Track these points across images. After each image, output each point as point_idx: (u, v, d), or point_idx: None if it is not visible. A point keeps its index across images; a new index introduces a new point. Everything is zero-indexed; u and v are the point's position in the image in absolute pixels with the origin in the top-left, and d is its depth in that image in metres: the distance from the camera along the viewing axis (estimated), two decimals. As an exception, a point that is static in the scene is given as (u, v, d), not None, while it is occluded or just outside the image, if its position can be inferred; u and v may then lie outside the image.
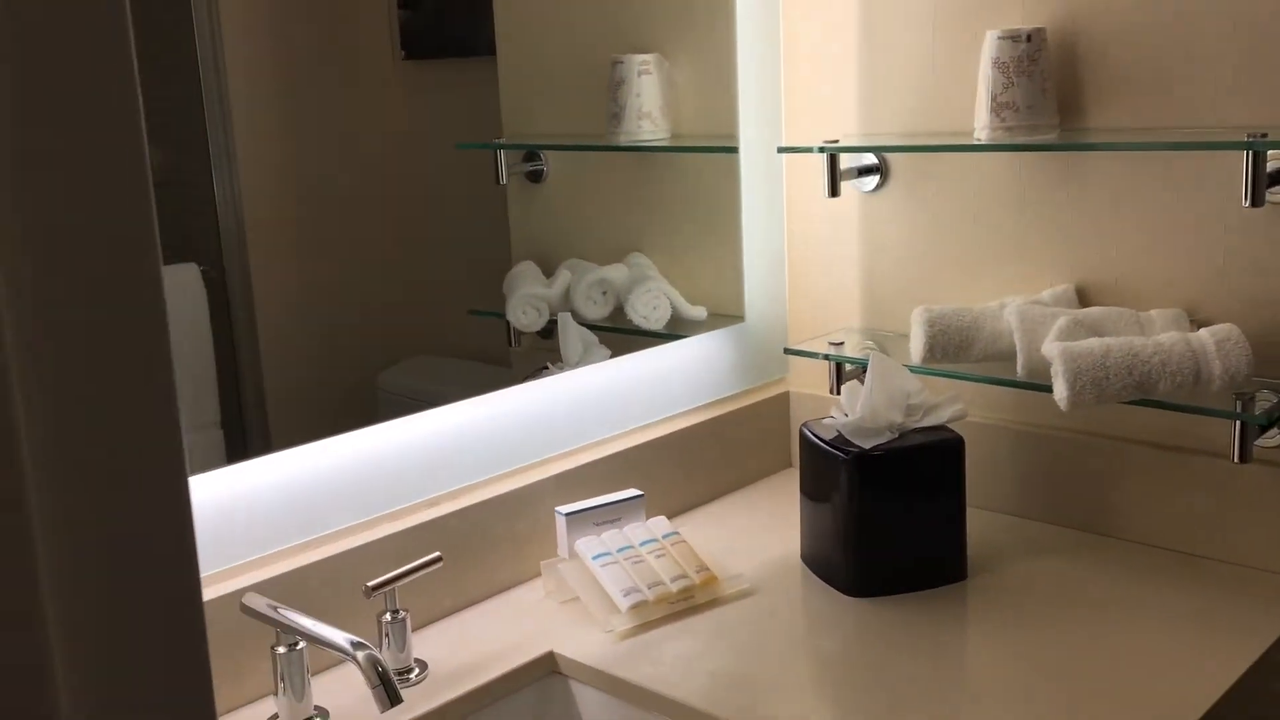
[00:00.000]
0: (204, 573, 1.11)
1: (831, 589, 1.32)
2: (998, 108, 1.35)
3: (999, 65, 1.35)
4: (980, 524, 1.46)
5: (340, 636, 1.00)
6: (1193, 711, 1.03)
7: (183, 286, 1.27)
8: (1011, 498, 1.49)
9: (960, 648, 1.19)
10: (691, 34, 1.60)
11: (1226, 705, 1.06)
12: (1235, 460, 1.22)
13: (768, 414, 1.67)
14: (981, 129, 1.38)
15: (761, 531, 1.49)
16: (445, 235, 1.48)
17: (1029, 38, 1.33)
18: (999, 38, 1.35)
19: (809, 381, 1.69)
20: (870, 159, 1.57)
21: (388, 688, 0.98)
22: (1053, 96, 1.36)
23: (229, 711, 1.11)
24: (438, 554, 1.21)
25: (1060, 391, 1.24)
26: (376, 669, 0.98)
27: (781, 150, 1.60)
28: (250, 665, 1.12)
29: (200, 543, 1.08)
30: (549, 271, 1.56)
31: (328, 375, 1.36)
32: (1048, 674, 1.11)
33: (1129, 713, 1.03)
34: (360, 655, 0.98)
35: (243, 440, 1.26)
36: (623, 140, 1.62)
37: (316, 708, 1.10)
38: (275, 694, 1.08)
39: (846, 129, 1.59)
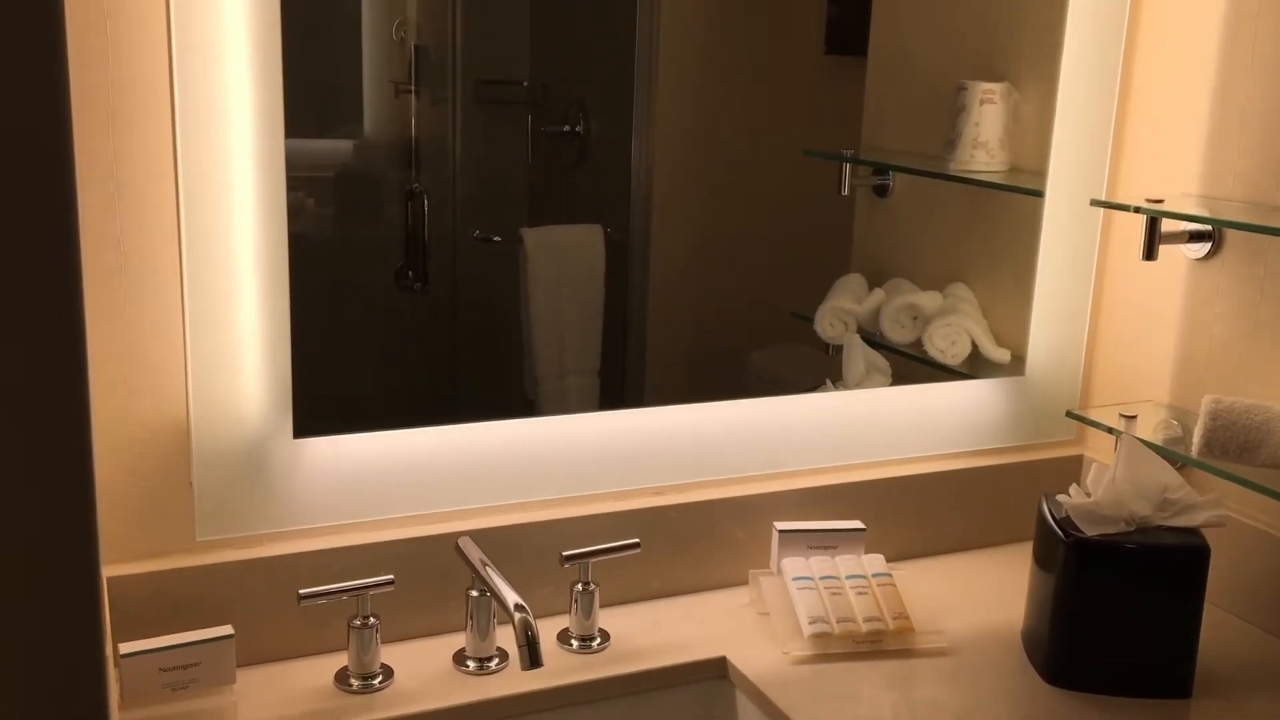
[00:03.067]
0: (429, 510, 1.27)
1: (1034, 673, 1.26)
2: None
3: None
4: (1224, 634, 1.32)
5: (510, 597, 1.12)
6: None
7: (588, 245, 1.45)
8: (1267, 611, 1.32)
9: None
10: (1047, 64, 1.53)
11: None
12: None
13: (1036, 476, 1.58)
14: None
15: (989, 596, 1.43)
16: (807, 234, 1.58)
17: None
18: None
19: (1100, 450, 1.58)
20: (1204, 225, 1.43)
21: (531, 650, 1.08)
22: None
23: (428, 636, 1.27)
24: (636, 540, 1.29)
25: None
26: (527, 631, 1.09)
27: (1095, 204, 1.50)
28: (451, 601, 1.27)
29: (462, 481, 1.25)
30: (877, 286, 1.59)
31: (702, 347, 1.51)
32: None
33: None
34: (516, 616, 1.09)
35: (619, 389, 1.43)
36: (951, 168, 1.60)
37: (498, 649, 1.23)
38: (465, 629, 1.23)
39: (1185, 187, 1.46)
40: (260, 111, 1.11)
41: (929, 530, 1.53)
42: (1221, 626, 1.35)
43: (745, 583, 1.41)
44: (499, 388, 1.41)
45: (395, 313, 1.36)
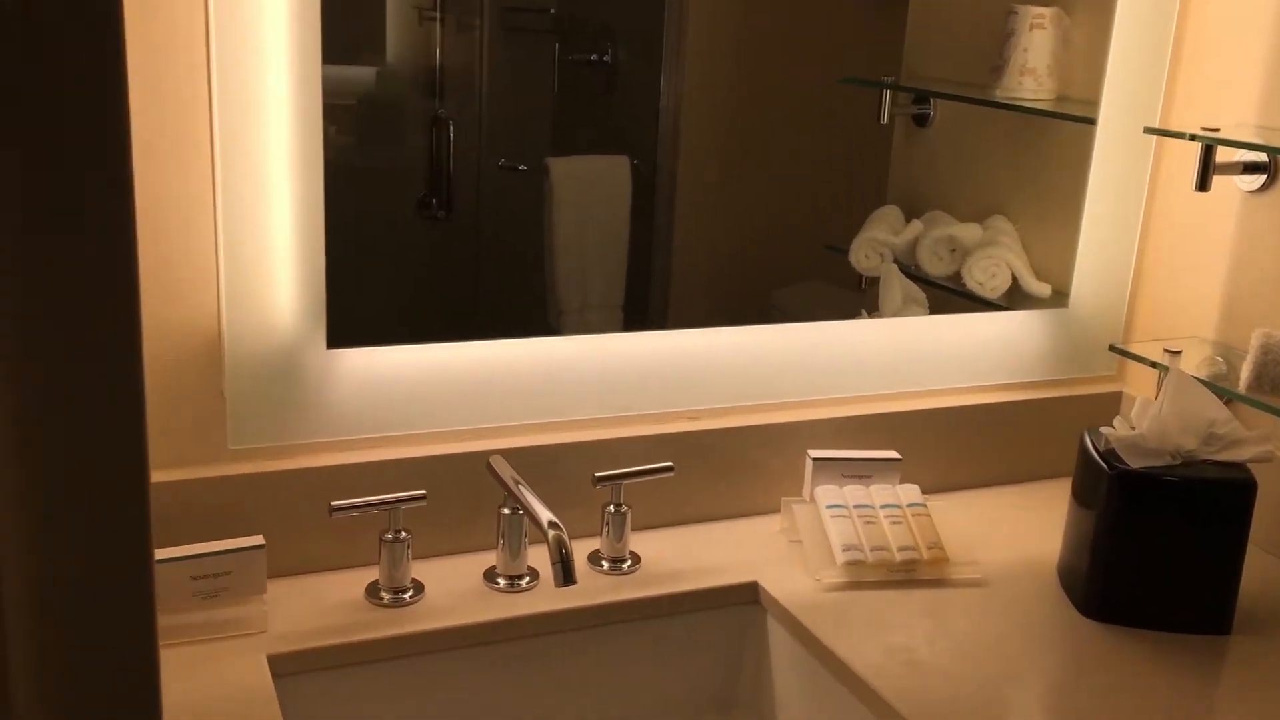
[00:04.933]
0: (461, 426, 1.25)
1: (1070, 605, 1.24)
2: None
3: None
4: (1268, 574, 1.30)
5: (543, 514, 1.11)
6: None
7: (613, 176, 1.42)
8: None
9: (1203, 708, 1.08)
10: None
11: None
12: None
13: (1075, 412, 1.55)
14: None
15: (1025, 530, 1.41)
16: (842, 165, 1.54)
17: None
18: None
19: (1140, 386, 1.55)
20: (1260, 155, 1.39)
21: (565, 567, 1.07)
22: None
23: (459, 554, 1.26)
24: (669, 463, 1.28)
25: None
26: (561, 549, 1.07)
27: (1149, 131, 1.45)
28: (481, 519, 1.26)
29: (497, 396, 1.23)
30: (914, 218, 1.55)
31: (727, 280, 1.48)
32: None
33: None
34: (550, 533, 1.08)
35: (641, 323, 1.41)
36: (997, 95, 1.55)
37: (529, 568, 1.22)
38: (497, 548, 1.22)
39: (1242, 116, 1.41)
40: (295, 13, 1.08)
41: (965, 463, 1.51)
42: (1265, 568, 1.33)
43: (777, 510, 1.40)
44: (522, 319, 1.39)
45: (418, 242, 1.33)
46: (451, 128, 1.32)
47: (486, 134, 1.36)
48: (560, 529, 1.08)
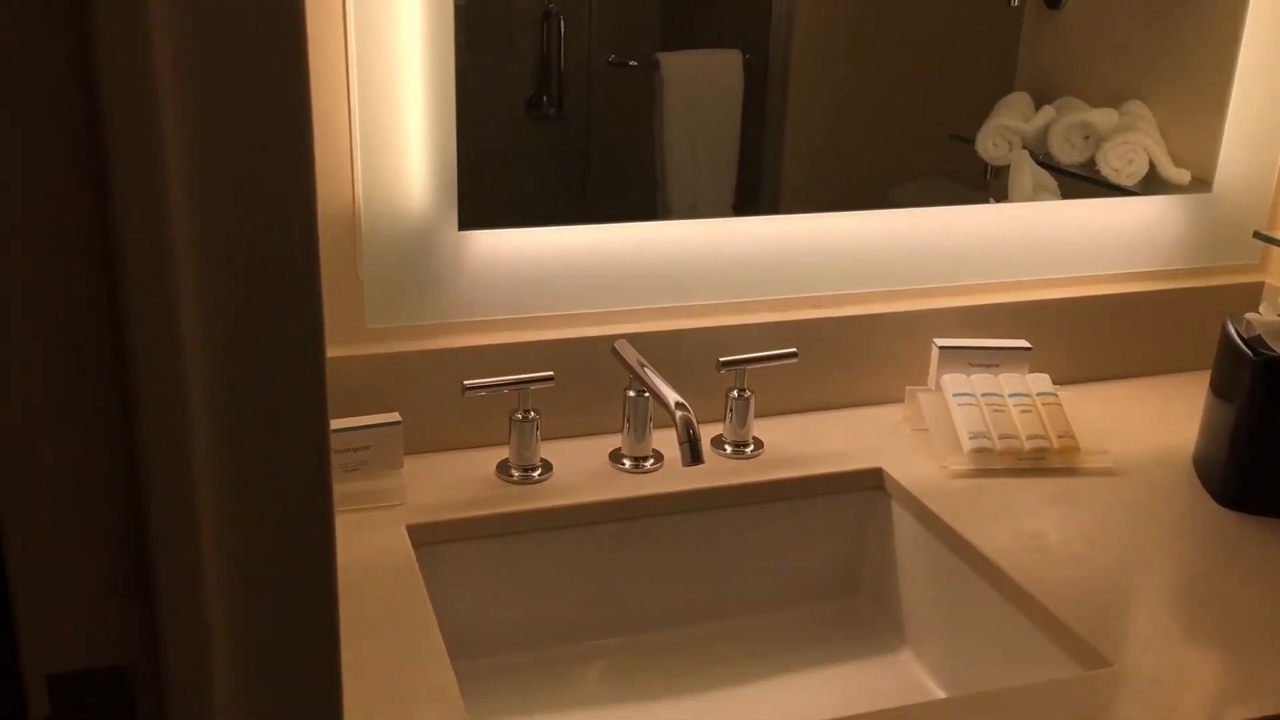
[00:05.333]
0: (617, 307, 1.26)
1: (1207, 495, 1.21)
2: None
3: None
4: None
5: (670, 395, 1.12)
6: None
7: (725, 70, 1.40)
8: None
9: (1322, 594, 1.05)
10: None
11: None
12: None
13: (1214, 301, 1.50)
14: None
15: (1158, 422, 1.38)
16: (967, 52, 1.49)
17: None
18: None
19: (1285, 276, 1.49)
20: None
21: (692, 446, 1.08)
22: None
23: (585, 436, 1.28)
24: (793, 349, 1.27)
25: None
26: (689, 429, 1.08)
27: (1308, 1, 1.37)
28: (607, 401, 1.28)
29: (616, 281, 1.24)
30: (1044, 104, 1.50)
31: (840, 178, 1.46)
32: None
33: None
34: (678, 414, 1.09)
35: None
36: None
37: (654, 450, 1.24)
38: (622, 431, 1.23)
39: None
40: (424, -111, 1.08)
41: (1097, 354, 1.47)
42: None
43: (900, 400, 1.39)
44: (635, 214, 1.38)
45: (529, 139, 1.33)
46: (562, 23, 1.31)
47: (597, 29, 1.34)
48: (687, 409, 1.09)
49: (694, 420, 1.09)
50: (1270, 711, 0.87)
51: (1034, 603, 1.03)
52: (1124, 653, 0.94)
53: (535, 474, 1.20)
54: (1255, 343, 1.17)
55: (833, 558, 1.28)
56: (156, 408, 0.48)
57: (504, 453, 1.22)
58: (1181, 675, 0.91)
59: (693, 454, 1.08)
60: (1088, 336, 1.46)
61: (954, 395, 1.30)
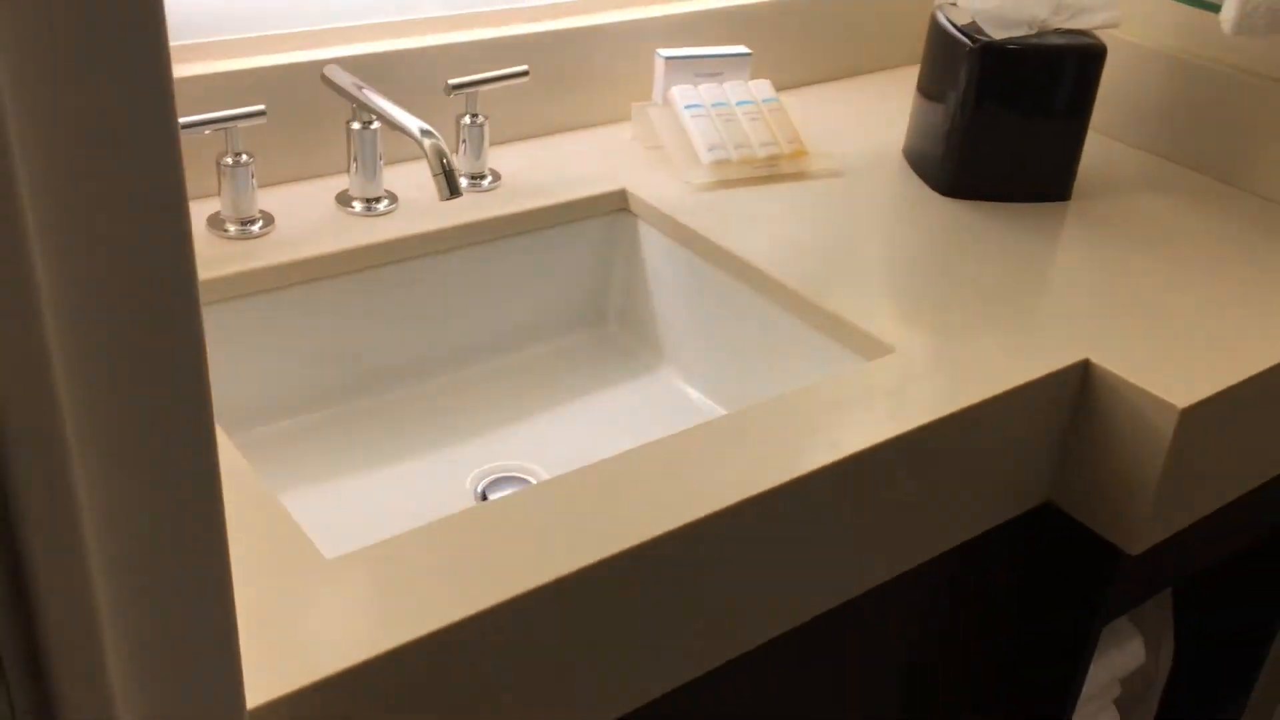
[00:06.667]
0: (289, 30, 1.09)
1: (926, 186, 1.27)
2: None
3: None
4: (1099, 150, 1.37)
5: (413, 122, 0.99)
6: (1253, 365, 0.98)
7: None
8: (1142, 131, 1.38)
9: (1046, 259, 1.14)
10: None
11: (1300, 365, 1.01)
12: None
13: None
14: None
15: (867, 119, 1.41)
16: None
17: None
18: None
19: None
20: None
21: (449, 178, 0.97)
22: None
23: (304, 179, 1.13)
24: (525, 67, 1.17)
25: (1228, 11, 1.11)
26: (441, 159, 0.97)
27: None
28: (328, 139, 1.13)
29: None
30: None
31: None
32: (1129, 298, 1.07)
33: (1206, 351, 0.99)
34: (427, 142, 0.97)
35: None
36: None
37: (386, 191, 1.12)
38: (348, 171, 1.10)
39: None
40: None
41: (813, 56, 1.47)
42: (1105, 149, 1.39)
43: (628, 118, 1.33)
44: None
45: None
46: None
47: None
48: (436, 136, 0.98)
49: (445, 147, 0.98)
50: (1046, 371, 0.94)
51: (803, 300, 1.04)
52: (901, 338, 0.98)
53: (255, 227, 1.05)
54: (971, 29, 1.20)
55: (584, 285, 1.24)
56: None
57: (215, 205, 1.05)
58: (958, 354, 0.96)
59: (450, 186, 0.98)
60: (805, 38, 1.45)
61: (686, 108, 1.26)
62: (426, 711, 0.68)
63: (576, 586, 0.71)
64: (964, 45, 1.20)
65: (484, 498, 1.02)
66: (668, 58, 1.29)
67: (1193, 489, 0.99)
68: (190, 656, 0.47)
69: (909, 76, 1.39)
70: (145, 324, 0.41)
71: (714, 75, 1.31)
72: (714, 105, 1.27)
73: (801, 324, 1.04)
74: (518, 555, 0.71)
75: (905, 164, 1.32)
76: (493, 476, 1.04)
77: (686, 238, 1.15)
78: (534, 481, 1.04)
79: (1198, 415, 0.92)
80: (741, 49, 1.32)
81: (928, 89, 1.28)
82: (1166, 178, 1.33)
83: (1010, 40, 1.19)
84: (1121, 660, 1.23)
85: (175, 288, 0.42)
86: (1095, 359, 0.96)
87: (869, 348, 0.99)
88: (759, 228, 1.14)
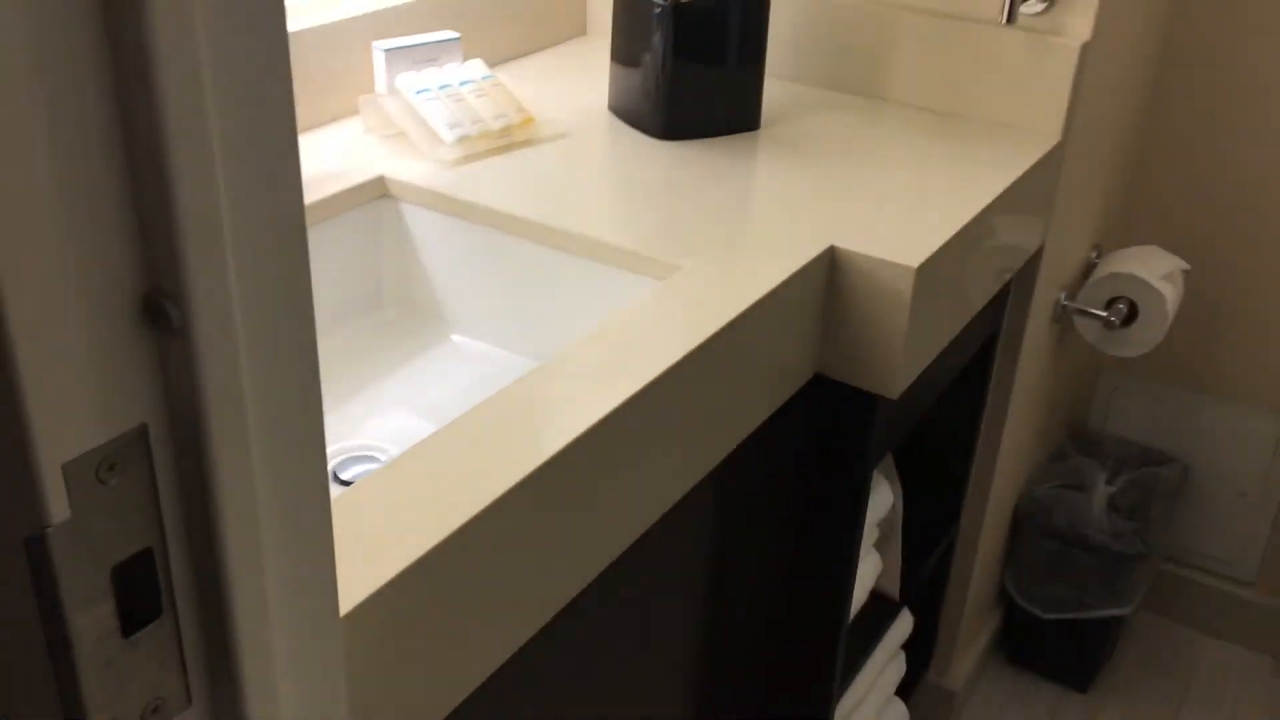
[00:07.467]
0: None
1: (640, 134, 1.42)
2: None
3: None
4: (772, 87, 1.59)
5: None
6: (951, 225, 1.21)
7: None
8: (798, 66, 1.61)
9: (751, 179, 1.32)
10: None
11: (979, 227, 1.26)
12: (1004, 22, 1.37)
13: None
14: None
15: (566, 86, 1.55)
16: None
17: None
18: None
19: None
20: None
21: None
22: None
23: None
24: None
25: (865, -50, 1.33)
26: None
27: None
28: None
29: None
30: None
31: None
32: (823, 197, 1.27)
33: (916, 222, 1.21)
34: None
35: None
36: None
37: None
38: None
39: None
40: None
41: (506, 31, 1.58)
42: (779, 87, 1.60)
43: (353, 113, 1.38)
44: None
45: None
46: None
47: None
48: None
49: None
50: (806, 260, 1.11)
51: (588, 239, 1.16)
52: (686, 258, 1.12)
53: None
54: (657, -8, 1.36)
55: (357, 275, 1.28)
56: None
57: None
58: (732, 264, 1.11)
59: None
60: (492, 18, 1.56)
61: (417, 93, 1.33)
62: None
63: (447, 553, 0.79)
64: (654, 7, 1.36)
65: (336, 477, 1.05)
66: (386, 49, 1.35)
67: (928, 333, 1.21)
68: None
69: (581, 46, 1.53)
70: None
71: (431, 61, 1.39)
72: (440, 88, 1.35)
73: (589, 261, 1.16)
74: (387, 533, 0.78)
75: (615, 119, 1.46)
76: (340, 457, 1.07)
77: (458, 209, 1.23)
78: (383, 459, 1.09)
79: (926, 271, 1.14)
80: (451, 33, 1.41)
81: (625, 50, 1.43)
82: (829, 102, 1.56)
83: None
84: (879, 504, 1.45)
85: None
86: (838, 244, 1.15)
87: (658, 270, 1.12)
88: (519, 187, 1.25)
